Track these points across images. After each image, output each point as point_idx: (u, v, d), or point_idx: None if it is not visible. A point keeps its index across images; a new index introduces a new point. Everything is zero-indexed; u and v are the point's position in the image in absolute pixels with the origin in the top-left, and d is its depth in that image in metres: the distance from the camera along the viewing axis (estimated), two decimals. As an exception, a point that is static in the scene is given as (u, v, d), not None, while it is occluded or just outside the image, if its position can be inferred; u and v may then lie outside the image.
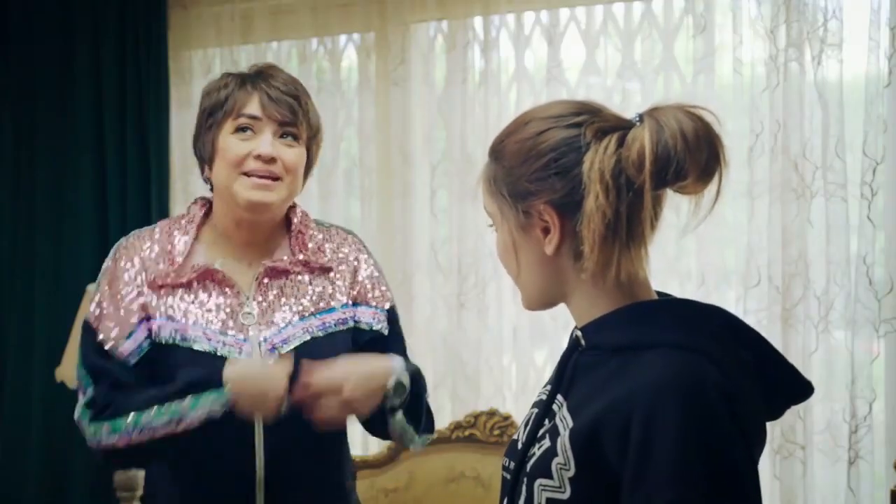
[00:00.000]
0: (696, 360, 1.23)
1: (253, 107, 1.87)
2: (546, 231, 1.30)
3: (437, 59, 3.42)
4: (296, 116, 1.88)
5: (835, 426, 2.86)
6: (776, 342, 2.85)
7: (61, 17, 3.86)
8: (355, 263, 1.99)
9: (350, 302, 1.96)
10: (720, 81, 3.03)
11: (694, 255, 3.03)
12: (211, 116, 1.90)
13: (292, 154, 1.88)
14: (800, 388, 1.34)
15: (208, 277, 1.89)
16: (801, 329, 2.86)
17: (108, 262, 1.93)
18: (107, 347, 1.86)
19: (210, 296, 1.88)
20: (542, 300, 1.37)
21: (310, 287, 1.93)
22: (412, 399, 1.88)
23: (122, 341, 1.86)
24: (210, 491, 1.87)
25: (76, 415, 1.88)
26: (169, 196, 3.74)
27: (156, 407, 1.78)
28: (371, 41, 3.50)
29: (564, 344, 1.40)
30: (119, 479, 3.40)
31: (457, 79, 3.31)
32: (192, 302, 1.87)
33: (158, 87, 3.71)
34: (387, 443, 3.16)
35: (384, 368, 1.83)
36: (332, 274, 1.96)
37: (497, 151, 1.35)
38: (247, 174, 1.86)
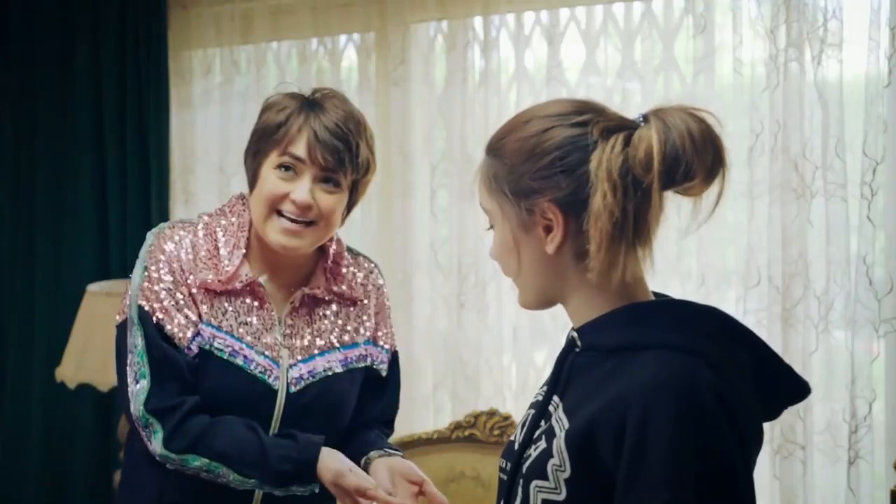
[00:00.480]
0: (691, 361, 1.23)
1: (299, 147, 1.82)
2: (548, 230, 1.30)
3: (437, 59, 3.42)
4: (341, 163, 1.83)
5: (835, 426, 2.86)
6: (776, 342, 2.85)
7: (61, 17, 3.86)
8: (377, 301, 2.00)
9: (370, 338, 1.98)
10: (720, 81, 3.03)
11: (694, 255, 3.03)
12: (262, 139, 1.86)
13: (330, 200, 1.84)
14: (797, 389, 1.34)
15: (249, 292, 1.88)
16: (801, 329, 2.86)
17: (150, 251, 1.85)
18: (175, 341, 1.81)
19: (248, 310, 1.87)
20: (539, 300, 1.37)
21: (338, 319, 1.94)
22: None
23: (191, 339, 1.82)
24: (209, 499, 1.87)
25: (134, 412, 1.82)
26: (169, 196, 3.74)
27: (238, 474, 1.79)
28: (371, 41, 3.50)
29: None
30: (119, 479, 3.40)
31: (457, 79, 3.30)
32: (229, 311, 1.86)
33: (158, 87, 3.71)
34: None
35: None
36: (358, 307, 1.96)
37: (496, 149, 1.35)
38: (280, 212, 1.84)
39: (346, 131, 1.83)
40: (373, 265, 2.04)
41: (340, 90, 1.94)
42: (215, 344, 1.83)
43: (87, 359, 3.32)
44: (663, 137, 1.23)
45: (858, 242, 2.78)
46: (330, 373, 1.90)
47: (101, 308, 3.29)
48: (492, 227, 1.38)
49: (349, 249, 2.01)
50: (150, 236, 1.88)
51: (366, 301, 1.97)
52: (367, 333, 1.97)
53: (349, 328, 1.95)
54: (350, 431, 1.97)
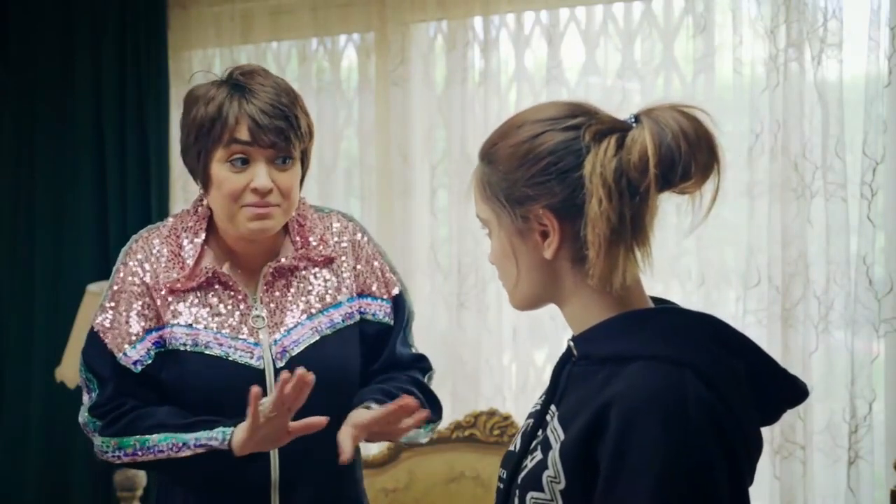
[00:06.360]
0: (678, 372, 1.22)
1: (242, 132, 1.80)
2: (544, 235, 1.29)
3: (437, 59, 3.42)
4: (288, 140, 1.82)
5: (835, 426, 2.86)
6: (776, 342, 2.85)
7: (61, 17, 3.86)
8: (357, 252, 1.98)
9: (355, 294, 1.96)
10: (720, 81, 3.03)
11: (694, 255, 3.03)
12: (199, 136, 1.82)
13: (287, 178, 1.84)
14: (795, 392, 1.33)
15: (217, 281, 1.88)
16: (801, 329, 2.86)
17: (117, 265, 1.92)
18: (116, 356, 1.86)
19: (220, 300, 1.88)
20: (532, 303, 1.36)
21: (315, 282, 1.92)
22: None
23: (129, 350, 1.86)
24: (225, 493, 1.87)
25: (81, 419, 1.90)
26: (169, 196, 3.74)
27: (162, 434, 1.81)
28: (371, 41, 3.50)
29: (564, 344, 1.40)
30: (119, 479, 3.40)
31: (457, 79, 3.30)
32: (203, 306, 1.87)
33: (158, 87, 3.71)
34: (386, 443, 3.16)
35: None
36: (335, 265, 1.94)
37: (489, 155, 1.34)
38: (243, 203, 1.83)
39: (283, 107, 1.82)
40: (348, 223, 2.00)
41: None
42: (191, 342, 1.85)
43: (87, 359, 3.32)
44: (657, 139, 1.21)
45: (858, 242, 2.78)
46: (317, 337, 1.89)
47: (101, 308, 3.29)
48: (489, 233, 1.37)
49: (319, 209, 1.99)
50: (121, 254, 1.93)
51: (343, 257, 1.95)
52: (350, 290, 1.95)
53: (330, 289, 1.93)
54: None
